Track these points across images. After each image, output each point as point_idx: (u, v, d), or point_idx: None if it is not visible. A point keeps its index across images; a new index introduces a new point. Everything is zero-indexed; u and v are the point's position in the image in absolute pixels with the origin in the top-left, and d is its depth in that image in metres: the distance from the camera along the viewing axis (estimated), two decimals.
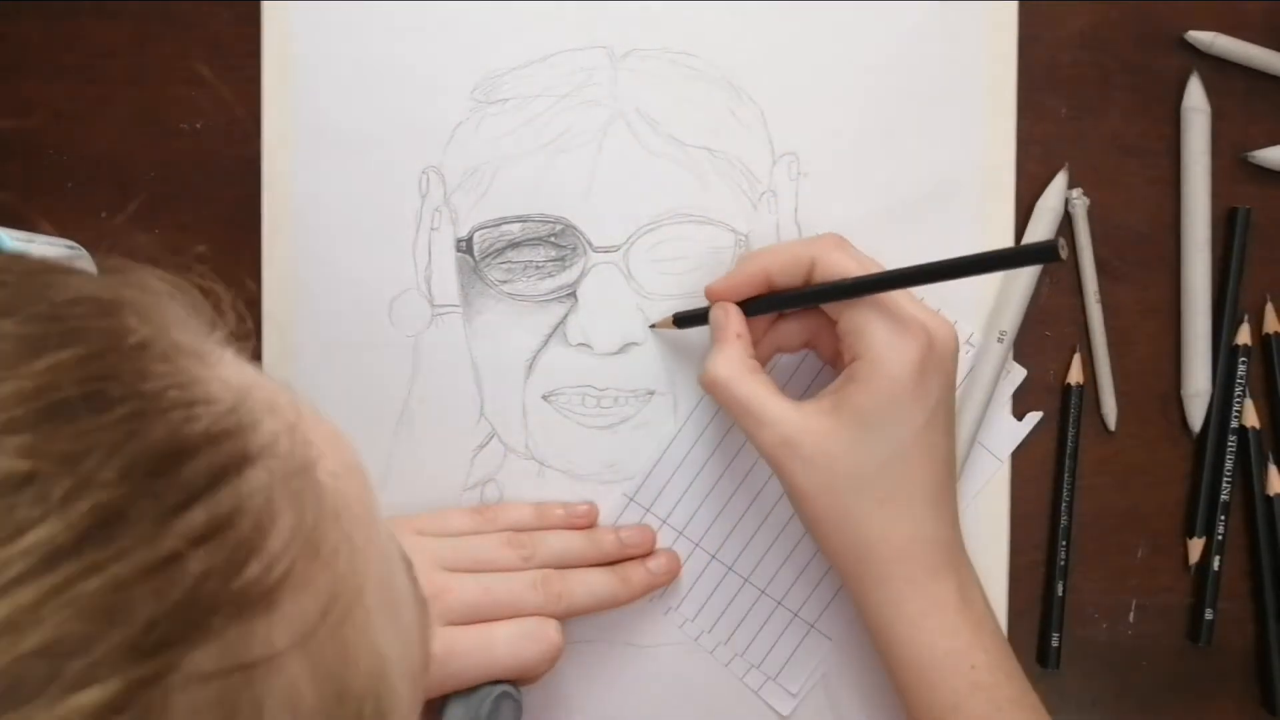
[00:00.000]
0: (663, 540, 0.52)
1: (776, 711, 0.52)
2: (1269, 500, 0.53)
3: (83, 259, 0.51)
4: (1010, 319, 0.51)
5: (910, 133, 0.52)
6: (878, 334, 0.44)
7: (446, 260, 0.51)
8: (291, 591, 0.21)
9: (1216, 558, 0.53)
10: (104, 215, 0.52)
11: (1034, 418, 0.52)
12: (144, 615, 0.19)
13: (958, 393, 0.49)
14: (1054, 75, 0.53)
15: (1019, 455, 0.52)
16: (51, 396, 0.20)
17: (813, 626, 0.52)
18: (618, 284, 0.51)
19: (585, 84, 0.51)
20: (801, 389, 0.51)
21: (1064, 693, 0.53)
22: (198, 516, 0.20)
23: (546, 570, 0.48)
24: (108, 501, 0.19)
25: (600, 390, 0.52)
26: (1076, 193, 0.52)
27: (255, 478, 0.22)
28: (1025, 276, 0.52)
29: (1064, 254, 0.38)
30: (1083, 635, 0.53)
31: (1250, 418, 0.53)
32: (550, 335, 0.51)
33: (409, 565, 0.28)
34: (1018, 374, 0.52)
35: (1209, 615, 0.53)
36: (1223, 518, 0.53)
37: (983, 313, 0.52)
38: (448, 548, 0.48)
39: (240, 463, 0.22)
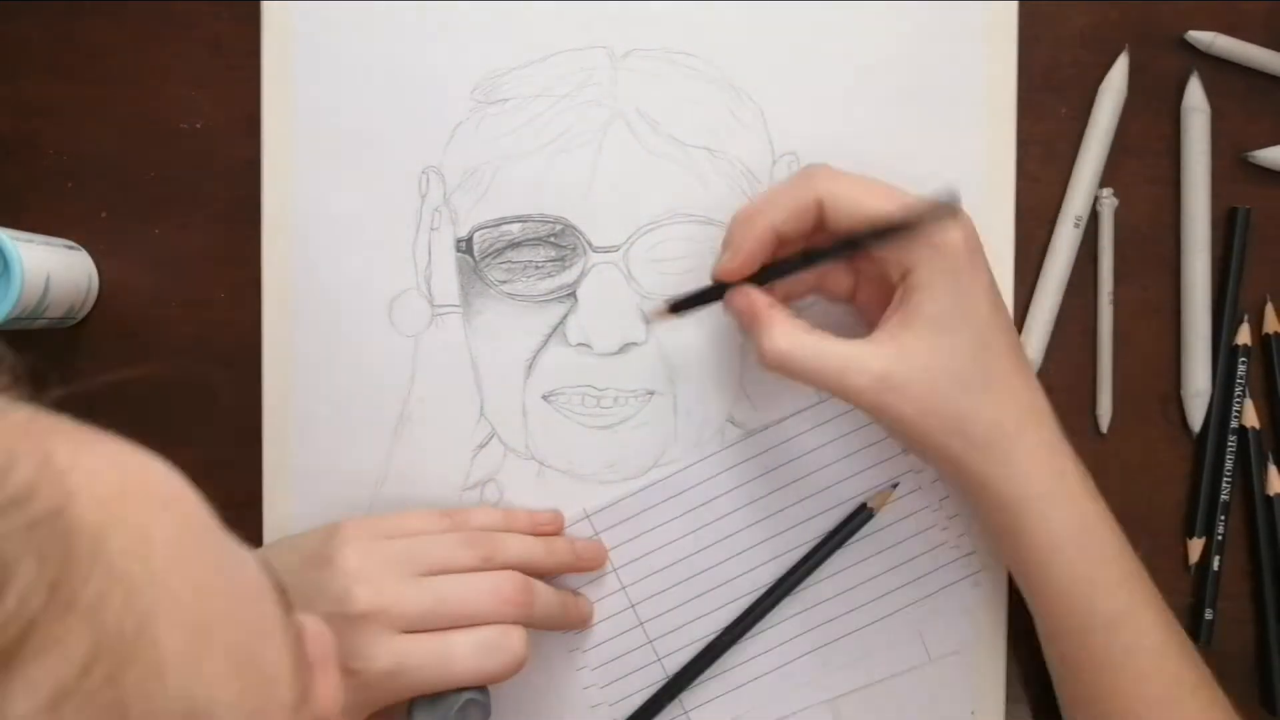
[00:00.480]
0: (592, 574, 0.52)
1: None
2: (1269, 500, 0.53)
3: (82, 258, 0.51)
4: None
5: (910, 132, 0.52)
6: (920, 237, 0.44)
7: (446, 260, 0.51)
8: (34, 654, 0.19)
9: (1216, 558, 0.53)
10: (104, 215, 0.52)
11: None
12: None
13: None
14: (1054, 75, 0.53)
15: None
16: None
17: (686, 715, 0.52)
18: (618, 284, 0.51)
19: (585, 84, 0.51)
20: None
21: None
22: None
23: (508, 574, 0.47)
24: None
25: (600, 390, 0.52)
26: (1107, 192, 0.52)
27: None
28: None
29: (955, 204, 0.41)
30: None
31: (1250, 418, 0.53)
32: (550, 335, 0.52)
33: (279, 593, 0.27)
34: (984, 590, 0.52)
35: (1209, 615, 0.53)
36: (1222, 518, 0.53)
37: None
38: (405, 549, 0.46)
39: None
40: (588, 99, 0.51)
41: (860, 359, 0.44)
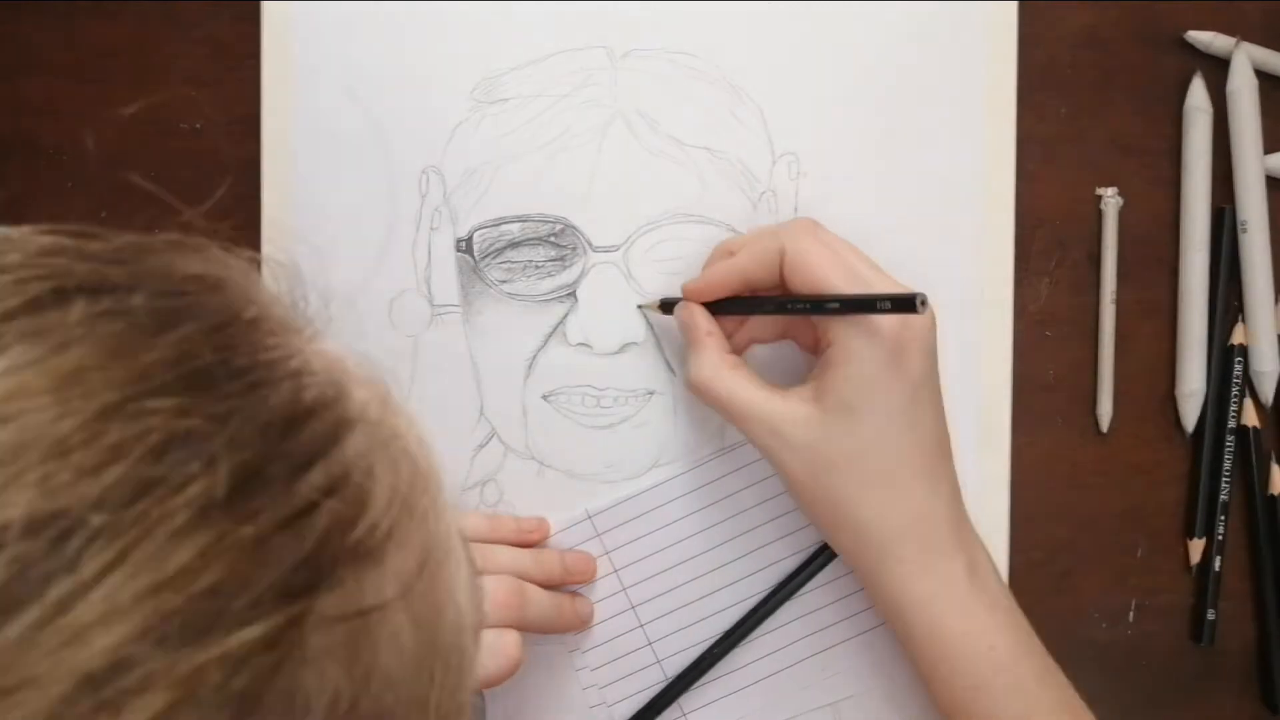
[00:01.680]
0: (597, 574, 0.52)
1: None
2: (1269, 500, 0.53)
3: None
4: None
5: (910, 132, 0.52)
6: (851, 318, 0.44)
7: (446, 260, 0.51)
8: (395, 547, 0.23)
9: (1217, 558, 0.53)
10: (104, 215, 0.52)
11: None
12: (288, 561, 0.21)
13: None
14: (1054, 75, 0.53)
15: (1020, 455, 0.52)
16: (192, 364, 0.22)
17: (685, 717, 0.52)
18: (617, 284, 0.51)
19: (585, 84, 0.51)
20: (787, 375, 0.51)
21: None
22: (319, 475, 0.22)
23: (502, 578, 0.48)
24: (250, 459, 0.21)
25: (600, 390, 0.52)
26: (1111, 192, 0.52)
27: (356, 442, 0.23)
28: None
29: (922, 309, 0.40)
30: (1082, 635, 0.53)
31: (1250, 417, 0.53)
32: (550, 335, 0.51)
33: (464, 534, 0.29)
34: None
35: (1211, 615, 0.53)
36: (1222, 518, 0.53)
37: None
38: None
39: (343, 428, 0.23)
40: (587, 99, 0.51)
41: (762, 409, 0.45)
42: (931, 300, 0.51)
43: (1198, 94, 0.52)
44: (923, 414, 0.44)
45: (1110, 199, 0.52)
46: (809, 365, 0.47)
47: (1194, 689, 0.54)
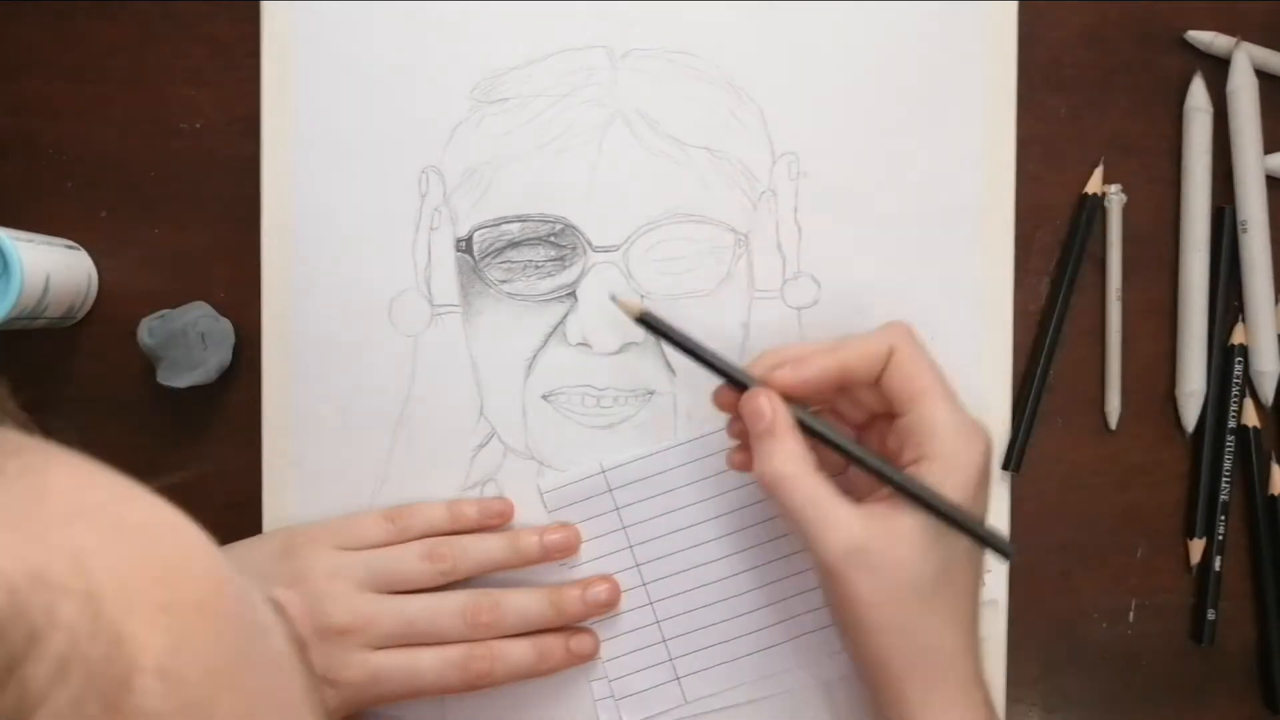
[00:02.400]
0: (601, 529, 0.51)
1: None
2: (1269, 500, 0.53)
3: (82, 258, 0.51)
4: None
5: (910, 132, 0.52)
6: (948, 434, 0.43)
7: (446, 260, 0.51)
8: None
9: (1218, 558, 0.53)
10: (104, 215, 0.52)
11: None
12: None
13: None
14: (1054, 75, 0.53)
15: (1020, 455, 0.52)
16: None
17: (678, 680, 0.51)
18: (617, 284, 0.51)
19: (585, 84, 0.51)
20: None
21: (1064, 692, 0.53)
22: None
23: (475, 595, 0.48)
24: None
25: (600, 390, 0.52)
26: (1115, 188, 0.52)
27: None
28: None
29: (1009, 559, 0.40)
30: (1082, 635, 0.53)
31: (1250, 417, 0.53)
32: (550, 335, 0.51)
33: (300, 647, 0.26)
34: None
35: (1211, 615, 0.53)
36: (1223, 518, 0.53)
37: None
38: (365, 567, 0.47)
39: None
40: (587, 99, 0.51)
41: (846, 522, 0.42)
42: (932, 300, 0.51)
43: (1198, 94, 0.52)
44: (978, 551, 0.45)
45: (1114, 196, 0.52)
46: None
47: (1194, 689, 0.54)
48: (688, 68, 0.51)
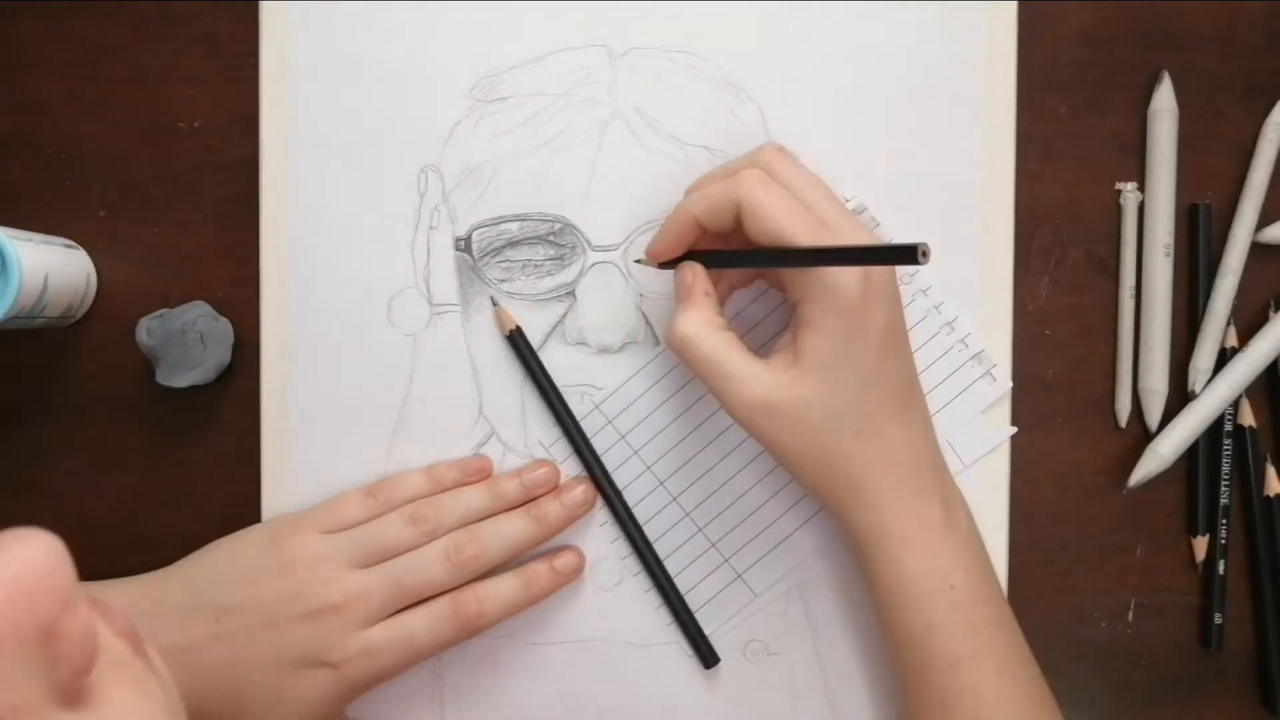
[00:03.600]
0: (616, 460, 0.52)
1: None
2: (1268, 500, 0.53)
3: (81, 257, 0.51)
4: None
5: (909, 132, 0.52)
6: (815, 273, 0.44)
7: (445, 259, 0.51)
8: None
9: (1221, 561, 0.53)
10: (103, 214, 0.52)
11: (1005, 432, 0.52)
12: None
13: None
14: (1054, 75, 0.53)
15: (1019, 455, 0.52)
16: None
17: (740, 576, 0.52)
18: (616, 282, 0.51)
19: (584, 83, 0.51)
20: (758, 340, 0.51)
21: (1063, 691, 0.53)
22: None
23: (455, 535, 0.48)
24: None
25: (599, 389, 0.52)
26: (1130, 186, 0.52)
27: None
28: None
29: (924, 261, 0.38)
30: (1081, 634, 0.53)
31: (1247, 417, 0.53)
32: (549, 334, 0.51)
33: None
34: (999, 387, 0.52)
35: (1218, 619, 0.53)
36: (1224, 521, 0.53)
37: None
38: (352, 544, 0.48)
39: None
40: (586, 98, 0.51)
41: (749, 379, 0.45)
42: (932, 300, 0.51)
43: (1165, 96, 0.52)
44: (892, 361, 0.45)
45: (1130, 194, 0.52)
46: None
47: (1192, 688, 0.54)
48: (687, 66, 0.51)
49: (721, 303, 0.49)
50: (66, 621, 0.22)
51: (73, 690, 0.23)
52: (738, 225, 0.45)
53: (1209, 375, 0.53)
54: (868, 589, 0.47)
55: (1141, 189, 0.53)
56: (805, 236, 0.44)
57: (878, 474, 0.45)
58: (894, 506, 0.45)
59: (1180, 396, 0.53)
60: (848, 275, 0.44)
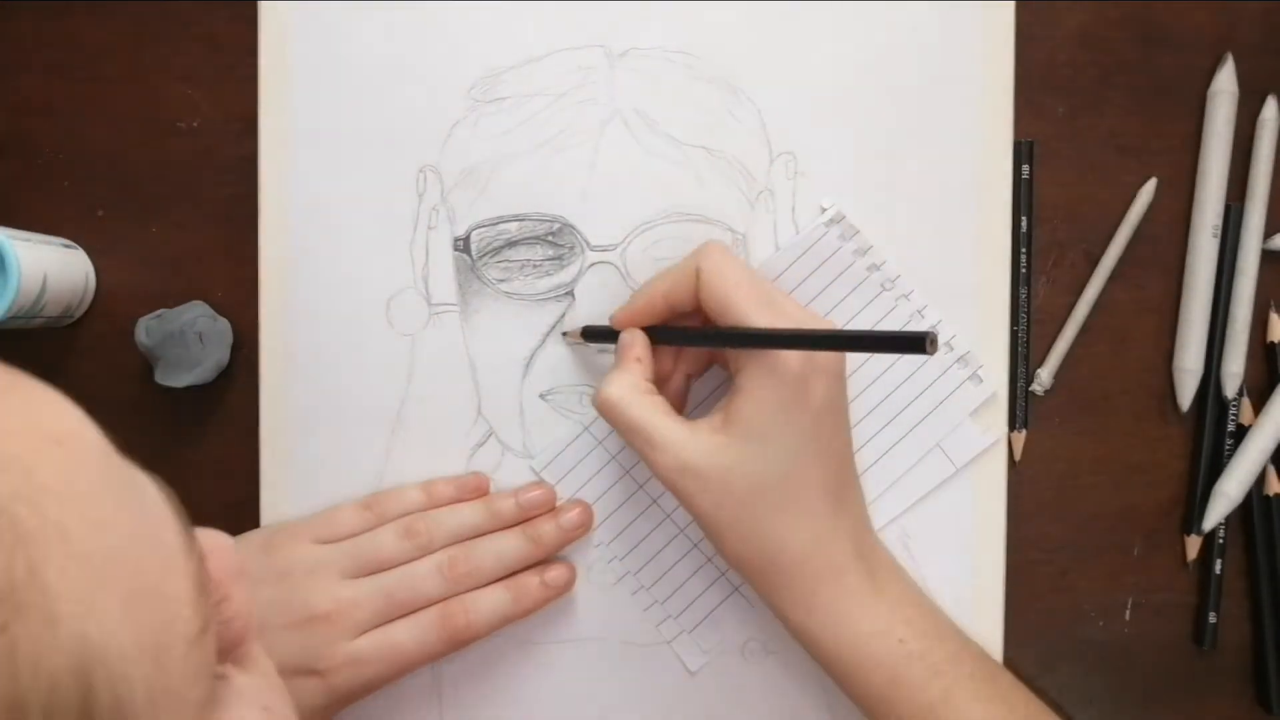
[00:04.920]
0: (608, 482, 0.51)
1: (686, 666, 0.52)
2: (1267, 500, 0.53)
3: (79, 257, 0.51)
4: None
5: (908, 132, 0.52)
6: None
7: (444, 259, 0.51)
8: None
9: (1218, 560, 0.53)
10: (101, 214, 0.52)
11: (994, 434, 0.52)
12: None
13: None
14: (1053, 75, 0.53)
15: (1019, 455, 0.52)
16: None
17: (737, 590, 0.52)
18: (615, 283, 0.51)
19: (583, 83, 0.51)
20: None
21: (1060, 690, 0.53)
22: None
23: (450, 550, 0.48)
24: None
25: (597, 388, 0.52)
26: (1150, 184, 0.53)
27: None
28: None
29: (932, 350, 0.36)
30: (1078, 633, 0.53)
31: (1247, 415, 0.53)
32: (547, 334, 0.52)
33: (181, 518, 0.26)
34: (987, 388, 0.52)
35: (1213, 618, 0.53)
36: (1221, 521, 0.53)
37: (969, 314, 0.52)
38: (346, 555, 0.48)
39: None
40: (585, 98, 0.51)
41: (672, 442, 0.45)
42: (931, 301, 0.51)
43: (1226, 78, 0.52)
44: (827, 439, 0.45)
45: (1145, 188, 0.52)
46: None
47: (1189, 687, 0.54)
48: (685, 67, 0.51)
49: (675, 388, 0.49)
50: (236, 590, 0.28)
51: (237, 653, 0.29)
52: (699, 304, 0.46)
53: (1240, 379, 0.53)
54: (819, 664, 0.46)
55: (1130, 188, 0.53)
56: (754, 309, 0.44)
57: (797, 553, 0.45)
58: (816, 582, 0.45)
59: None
60: (789, 355, 0.43)
